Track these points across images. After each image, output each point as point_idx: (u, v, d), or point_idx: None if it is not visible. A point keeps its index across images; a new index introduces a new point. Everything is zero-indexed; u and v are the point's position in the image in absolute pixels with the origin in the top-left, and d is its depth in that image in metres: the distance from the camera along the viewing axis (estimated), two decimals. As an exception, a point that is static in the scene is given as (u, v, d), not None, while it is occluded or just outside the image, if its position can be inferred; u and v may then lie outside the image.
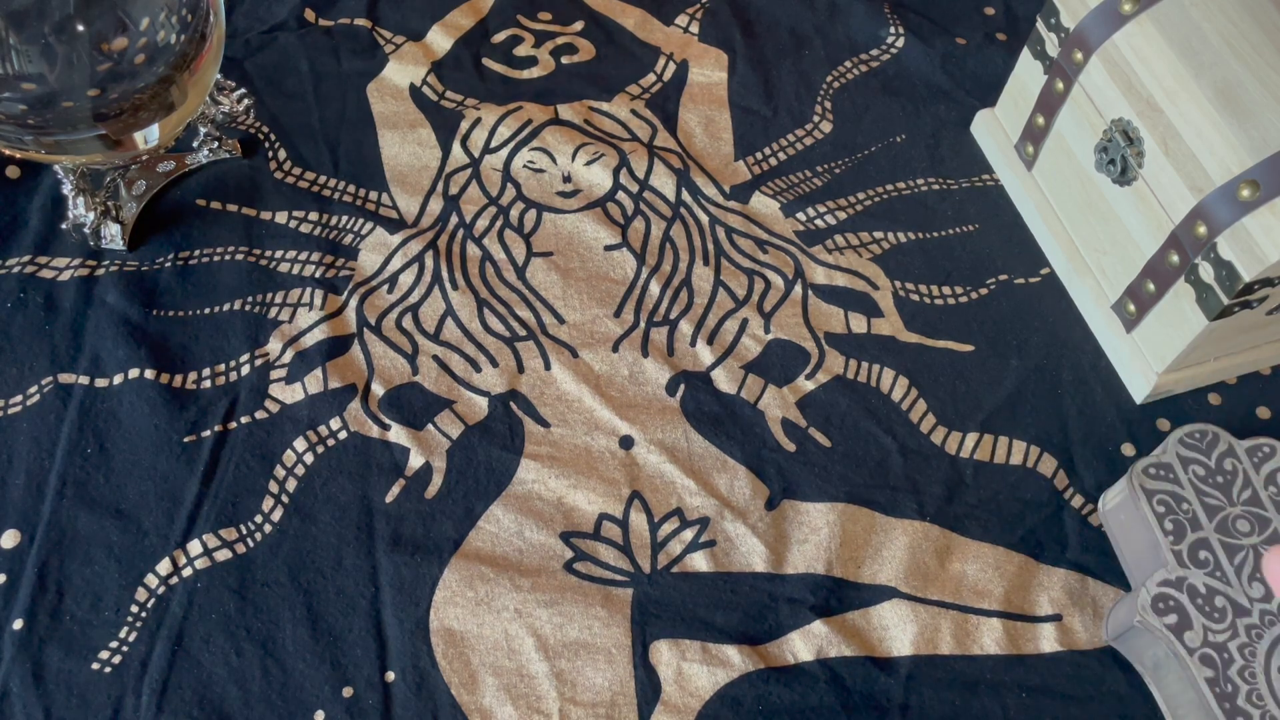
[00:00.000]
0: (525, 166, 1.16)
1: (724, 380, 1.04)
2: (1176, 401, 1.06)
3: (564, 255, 1.11)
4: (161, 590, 0.91)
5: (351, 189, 1.14)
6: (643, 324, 1.07)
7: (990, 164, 1.20)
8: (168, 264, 1.07)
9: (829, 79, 1.26)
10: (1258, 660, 0.85)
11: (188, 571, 0.91)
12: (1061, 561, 0.97)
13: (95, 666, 0.87)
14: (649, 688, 0.89)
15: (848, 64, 1.27)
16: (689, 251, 1.12)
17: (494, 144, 1.18)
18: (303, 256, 1.09)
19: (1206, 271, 0.94)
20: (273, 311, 1.05)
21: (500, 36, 1.27)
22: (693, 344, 1.06)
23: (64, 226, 1.06)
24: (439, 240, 1.11)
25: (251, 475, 0.96)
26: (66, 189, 1.03)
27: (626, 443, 1.00)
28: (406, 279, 1.08)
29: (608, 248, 1.11)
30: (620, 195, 1.15)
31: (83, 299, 1.04)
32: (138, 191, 1.10)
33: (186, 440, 0.97)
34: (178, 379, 1.00)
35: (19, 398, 0.99)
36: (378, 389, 1.01)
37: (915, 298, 1.11)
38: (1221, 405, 1.07)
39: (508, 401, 1.02)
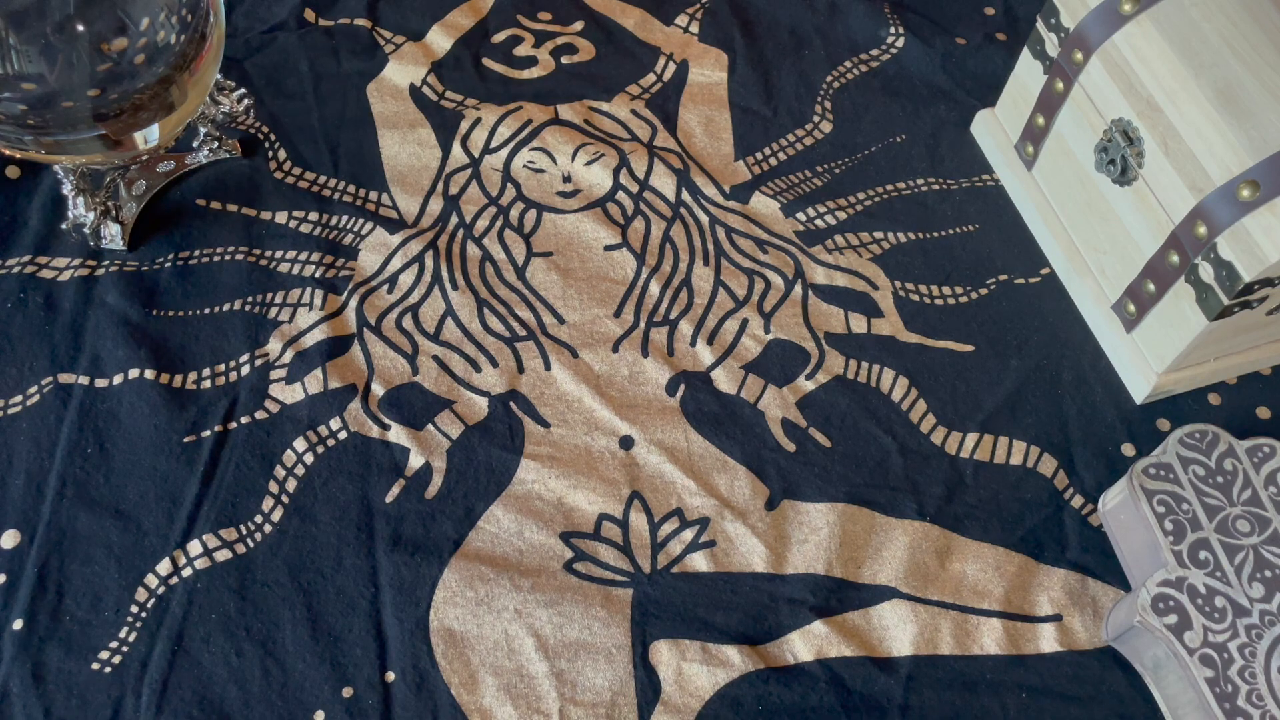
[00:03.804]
0: (525, 166, 1.16)
1: (724, 380, 1.04)
2: (1176, 401, 1.06)
3: (564, 255, 1.11)
4: (161, 590, 0.91)
5: (351, 189, 1.13)
6: (643, 324, 1.07)
7: (990, 164, 1.20)
8: (168, 264, 1.07)
9: (829, 79, 1.26)
10: (1258, 660, 0.85)
11: (188, 571, 0.91)
12: (1061, 561, 0.97)
13: (95, 666, 0.87)
14: (649, 688, 0.89)
15: (848, 64, 1.27)
16: (689, 251, 1.12)
17: (494, 144, 1.18)
18: (303, 256, 1.09)
19: (1206, 272, 0.94)
20: (273, 311, 1.05)
21: (500, 36, 1.27)
22: (693, 344, 1.06)
23: (64, 226, 1.06)
24: (439, 240, 1.11)
25: (251, 475, 0.96)
26: (66, 189, 1.03)
27: (626, 443, 1.00)
28: (406, 279, 1.08)
29: (608, 248, 1.11)
30: (620, 195, 1.15)
31: (83, 299, 1.04)
32: (138, 191, 1.10)
33: (186, 440, 0.97)
34: (178, 379, 1.00)
35: (19, 398, 0.99)
36: (378, 389, 1.01)
37: (915, 298, 1.11)
38: (1221, 405, 1.07)
39: (508, 401, 1.02)
